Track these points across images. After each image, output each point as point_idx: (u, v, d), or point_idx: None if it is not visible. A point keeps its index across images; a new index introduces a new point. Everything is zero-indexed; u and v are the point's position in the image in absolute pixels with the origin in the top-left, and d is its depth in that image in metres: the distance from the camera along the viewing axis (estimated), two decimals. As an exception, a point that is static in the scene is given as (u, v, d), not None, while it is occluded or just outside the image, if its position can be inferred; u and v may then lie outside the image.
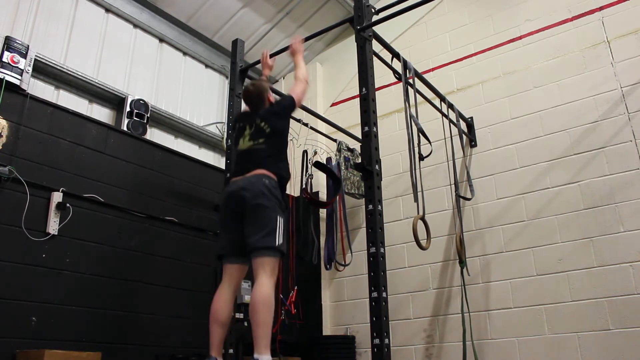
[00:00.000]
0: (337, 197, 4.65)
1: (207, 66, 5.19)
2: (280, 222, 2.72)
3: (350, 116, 5.18)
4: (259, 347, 2.48)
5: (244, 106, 3.30)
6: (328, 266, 4.68)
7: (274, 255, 2.69)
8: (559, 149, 4.03)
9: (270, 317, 2.54)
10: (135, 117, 4.07)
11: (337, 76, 5.63)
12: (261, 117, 3.02)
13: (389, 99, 4.95)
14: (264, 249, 2.66)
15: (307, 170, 4.60)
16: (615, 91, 3.90)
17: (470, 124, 4.51)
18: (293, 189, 5.05)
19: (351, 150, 4.88)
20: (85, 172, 3.61)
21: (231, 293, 2.81)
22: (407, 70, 3.52)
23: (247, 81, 3.77)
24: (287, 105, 3.10)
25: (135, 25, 4.54)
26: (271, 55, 4.08)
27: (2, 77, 3.27)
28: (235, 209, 2.78)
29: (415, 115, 3.37)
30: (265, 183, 2.76)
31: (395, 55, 3.54)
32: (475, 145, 4.46)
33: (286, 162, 2.99)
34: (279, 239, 2.69)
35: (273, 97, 3.21)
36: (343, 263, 4.69)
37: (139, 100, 4.14)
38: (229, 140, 3.77)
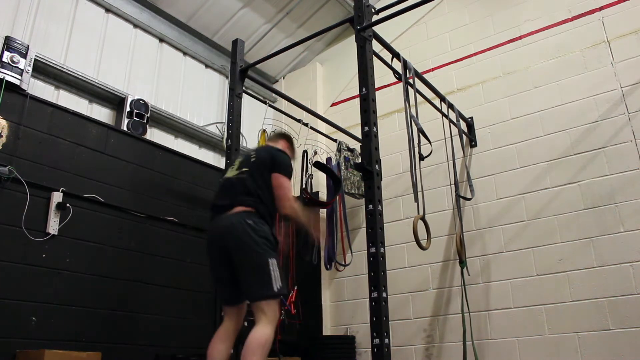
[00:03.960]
0: (337, 197, 4.64)
1: (207, 66, 5.19)
2: (272, 265, 2.62)
3: (350, 116, 5.18)
4: None
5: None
6: (328, 266, 4.67)
7: (274, 299, 2.61)
8: (559, 149, 4.02)
9: None
10: (135, 117, 4.07)
11: (337, 76, 5.63)
12: (257, 150, 3.01)
13: (389, 99, 4.95)
14: (262, 298, 2.58)
15: (307, 170, 4.61)
16: (615, 91, 3.90)
17: (470, 124, 4.51)
18: (293, 189, 5.04)
19: (351, 150, 4.88)
20: (85, 172, 3.61)
21: (229, 339, 2.75)
22: (407, 70, 3.52)
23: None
24: (279, 167, 2.90)
25: (135, 25, 4.53)
26: (271, 56, 4.09)
27: (2, 77, 3.27)
28: (221, 255, 2.71)
29: (415, 115, 3.36)
30: (249, 223, 2.66)
31: (395, 55, 3.53)
32: (475, 145, 4.46)
33: (270, 195, 2.84)
34: (277, 284, 2.60)
35: (289, 147, 3.22)
36: (343, 263, 4.68)
37: (139, 100, 4.14)
38: (229, 140, 3.77)
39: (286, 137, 3.32)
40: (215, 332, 2.76)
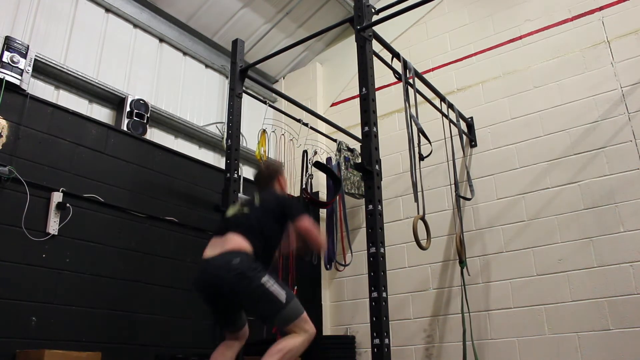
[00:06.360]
0: (337, 197, 4.65)
1: (207, 66, 5.19)
2: (267, 284, 2.49)
3: (350, 116, 5.18)
4: None
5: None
6: (328, 266, 4.68)
7: (291, 313, 2.50)
8: (559, 149, 4.02)
9: None
10: (135, 117, 4.07)
11: (337, 76, 5.63)
12: (260, 195, 2.93)
13: (389, 99, 4.95)
14: (278, 321, 2.52)
15: (307, 170, 4.61)
16: (615, 91, 3.90)
17: (470, 124, 4.51)
18: (293, 188, 5.05)
19: (351, 150, 4.88)
20: (85, 172, 3.61)
21: (233, 348, 2.74)
22: (407, 70, 3.52)
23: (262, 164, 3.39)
24: (291, 212, 2.82)
25: (135, 25, 4.53)
26: (271, 56, 4.10)
27: (2, 77, 3.27)
28: (214, 296, 2.65)
29: (415, 115, 3.37)
30: (235, 264, 2.51)
31: (395, 55, 3.53)
32: (475, 145, 4.46)
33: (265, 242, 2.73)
34: (280, 296, 2.48)
35: (285, 182, 3.12)
36: (343, 263, 4.69)
37: (139, 100, 4.14)
38: (229, 140, 3.77)
39: (275, 168, 3.16)
40: (214, 352, 2.73)
